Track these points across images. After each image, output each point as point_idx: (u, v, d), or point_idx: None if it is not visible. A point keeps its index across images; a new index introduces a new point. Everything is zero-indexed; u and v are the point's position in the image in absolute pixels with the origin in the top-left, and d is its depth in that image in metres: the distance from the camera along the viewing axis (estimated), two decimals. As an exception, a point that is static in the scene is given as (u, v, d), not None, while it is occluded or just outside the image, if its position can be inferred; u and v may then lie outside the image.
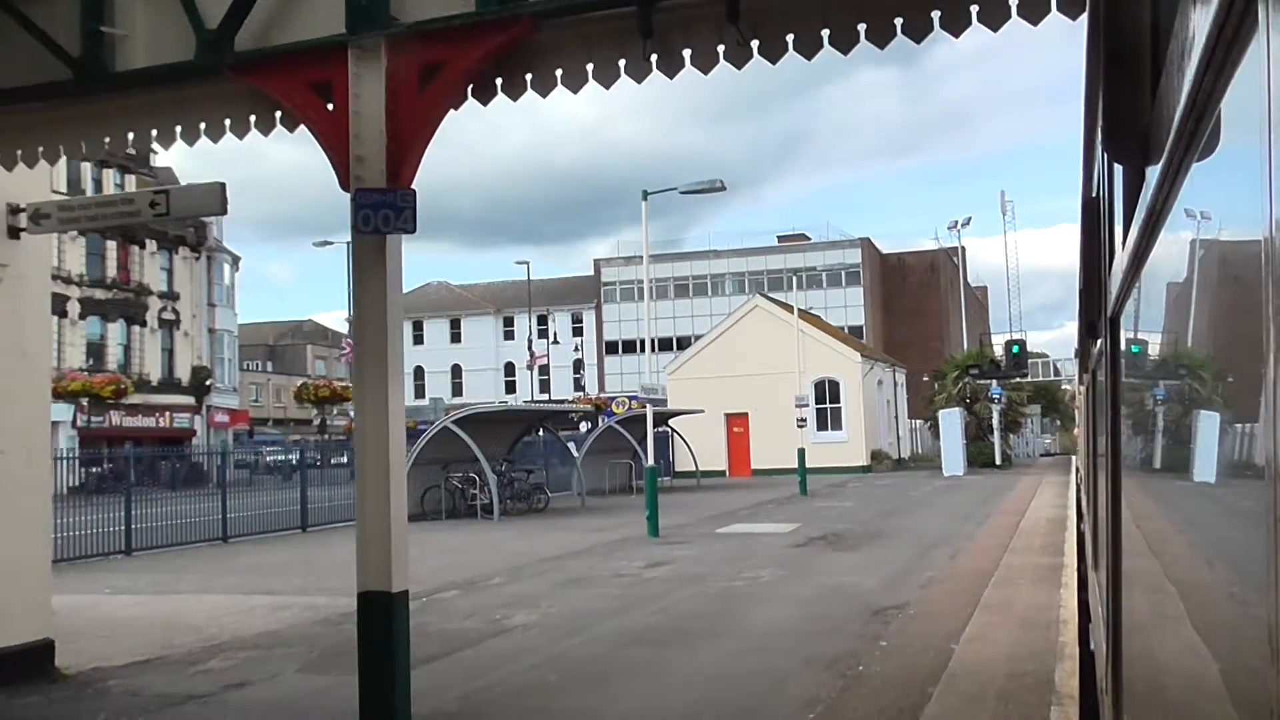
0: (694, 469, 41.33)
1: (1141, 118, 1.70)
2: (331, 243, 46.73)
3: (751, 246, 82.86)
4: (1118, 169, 2.21)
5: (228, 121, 7.20)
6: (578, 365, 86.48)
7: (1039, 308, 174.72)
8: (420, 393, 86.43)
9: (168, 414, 52.39)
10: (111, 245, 49.57)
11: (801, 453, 30.02)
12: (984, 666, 8.37)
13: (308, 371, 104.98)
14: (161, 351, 52.58)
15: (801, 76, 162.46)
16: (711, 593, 12.44)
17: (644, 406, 40.86)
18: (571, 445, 31.19)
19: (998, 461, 40.05)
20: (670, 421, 43.61)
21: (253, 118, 7.14)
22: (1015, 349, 39.10)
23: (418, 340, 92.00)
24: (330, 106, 6.68)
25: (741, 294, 66.98)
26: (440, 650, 9.57)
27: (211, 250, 56.73)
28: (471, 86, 6.65)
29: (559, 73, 6.51)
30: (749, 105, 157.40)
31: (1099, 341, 3.33)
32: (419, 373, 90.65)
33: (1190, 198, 1.18)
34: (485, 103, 6.73)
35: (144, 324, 51.22)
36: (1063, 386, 71.90)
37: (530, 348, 63.37)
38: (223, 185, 7.61)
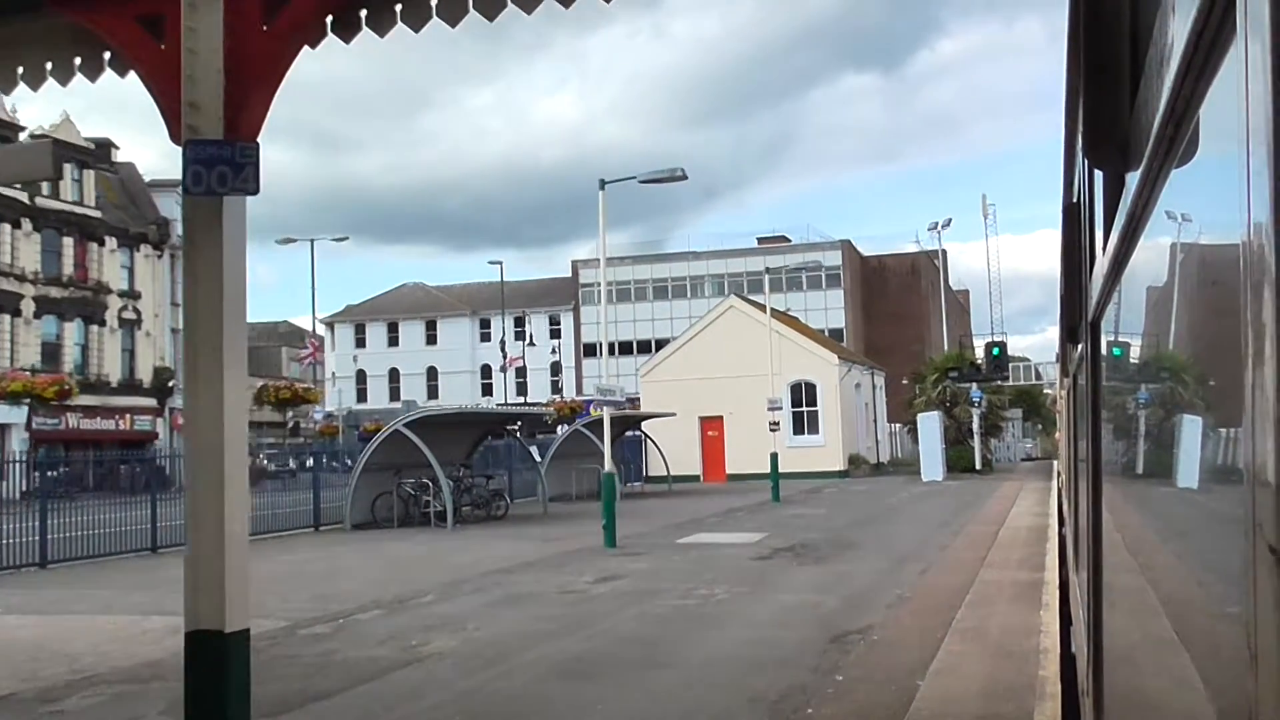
0: (666, 474, 40.32)
1: (1121, 124, 1.70)
2: (295, 240, 45.42)
3: (731, 248, 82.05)
4: (1098, 175, 2.24)
5: (49, 65, 6.04)
6: (556, 368, 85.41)
7: (1020, 312, 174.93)
8: (395, 395, 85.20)
9: (128, 416, 50.91)
10: (68, 242, 48.05)
11: (774, 457, 28.91)
12: (952, 706, 7.28)
13: (282, 374, 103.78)
14: (122, 352, 51.11)
15: (784, 81, 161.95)
16: (658, 613, 11.31)
17: (618, 409, 39.77)
18: (534, 450, 29.96)
19: (978, 466, 38.97)
20: (643, 425, 42.55)
21: (77, 60, 5.99)
22: (995, 351, 38.17)
23: (393, 342, 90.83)
24: (162, 46, 5.53)
25: (721, 296, 66.00)
26: (338, 685, 8.41)
27: (175, 249, 55.20)
28: (331, 19, 5.52)
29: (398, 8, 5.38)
30: (733, 109, 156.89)
31: (1079, 346, 3.33)
32: (394, 375, 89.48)
33: (1169, 203, 1.19)
34: (348, 40, 5.60)
35: (103, 323, 49.73)
36: (1044, 391, 71.32)
37: (503, 349, 62.06)
38: (52, 143, 6.43)
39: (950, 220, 53.49)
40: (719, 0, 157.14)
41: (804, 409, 40.59)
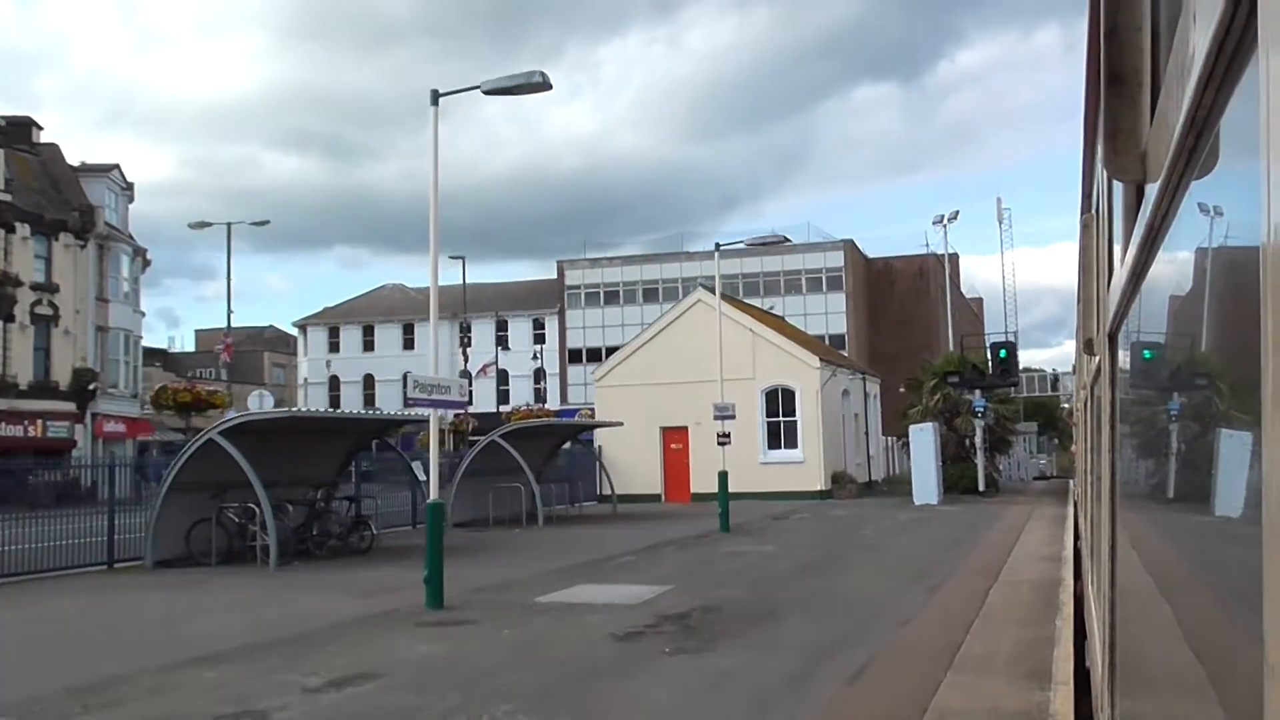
0: (624, 493, 35.00)
1: (1141, 135, 1.70)
2: (210, 224, 40.27)
3: (728, 247, 76.79)
4: (1117, 186, 2.29)
5: None
6: (539, 375, 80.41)
7: (1037, 326, 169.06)
8: (370, 402, 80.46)
9: (39, 422, 45.77)
10: (-33, 228, 43.10)
11: (723, 478, 23.49)
12: None
13: (264, 379, 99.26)
14: (35, 351, 46.00)
15: (801, 92, 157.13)
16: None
17: (546, 415, 34.28)
18: (417, 466, 24.53)
19: (981, 487, 33.25)
20: (597, 436, 37.27)
21: None
22: (1003, 353, 32.62)
23: (368, 347, 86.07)
24: None
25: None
26: None
27: (104, 239, 50.24)
28: None
29: None
30: (749, 120, 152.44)
31: (1097, 358, 3.34)
32: (368, 381, 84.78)
33: (1189, 214, 1.19)
34: None
35: (10, 319, 44.66)
36: (1062, 405, 66.37)
37: (464, 353, 56.74)
38: None
39: (958, 213, 48.26)
40: (735, 10, 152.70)
41: (780, 419, 35.02)
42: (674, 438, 35.77)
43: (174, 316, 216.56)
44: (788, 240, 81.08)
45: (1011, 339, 38.44)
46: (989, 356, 33.98)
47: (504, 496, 26.46)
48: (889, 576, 14.87)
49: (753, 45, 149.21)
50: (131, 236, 55.16)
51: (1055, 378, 67.67)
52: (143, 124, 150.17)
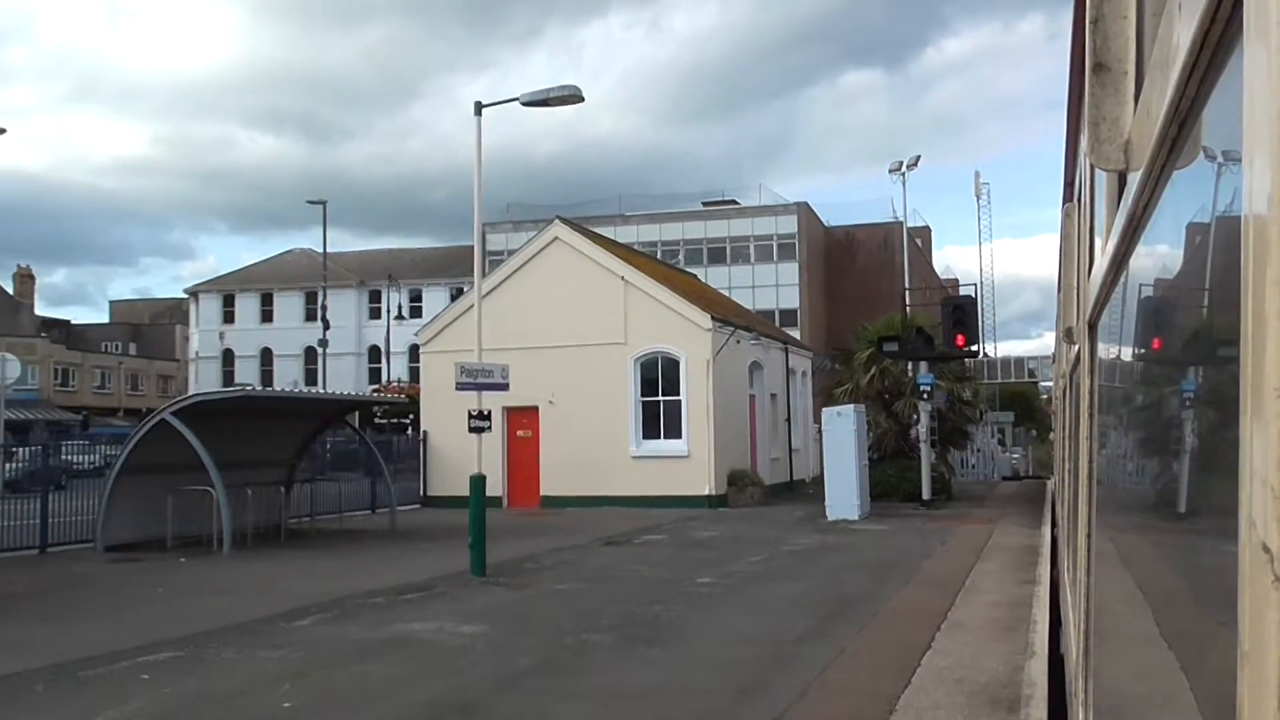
0: (453, 495, 26.13)
1: (1124, 124, 1.68)
2: (-70, 134, 30.80)
3: (669, 211, 67.92)
4: (1099, 175, 2.33)
5: None
6: (455, 350, 71.23)
7: (1017, 317, 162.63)
8: (268, 379, 71.21)
9: None
10: None
11: (476, 484, 14.51)
12: None
13: (175, 355, 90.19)
14: None
15: (784, 78, 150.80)
16: None
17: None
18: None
19: (926, 494, 24.29)
20: (424, 419, 28.35)
21: None
22: (957, 309, 23.63)
23: (266, 317, 76.55)
24: None
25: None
26: None
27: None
28: None
29: None
30: (731, 106, 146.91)
31: (1076, 346, 3.37)
32: (266, 356, 75.35)
33: (1171, 204, 1.19)
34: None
35: None
36: (1040, 395, 58.55)
37: (324, 321, 47.30)
38: None
39: (919, 159, 39.26)
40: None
41: (660, 398, 26.01)
42: (521, 421, 26.72)
43: (148, 292, 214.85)
44: (735, 203, 71.73)
45: (968, 288, 29.46)
46: (941, 320, 24.92)
47: (181, 504, 17.33)
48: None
49: (736, 29, 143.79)
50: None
51: (1031, 370, 59.28)
52: (114, 100, 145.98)
